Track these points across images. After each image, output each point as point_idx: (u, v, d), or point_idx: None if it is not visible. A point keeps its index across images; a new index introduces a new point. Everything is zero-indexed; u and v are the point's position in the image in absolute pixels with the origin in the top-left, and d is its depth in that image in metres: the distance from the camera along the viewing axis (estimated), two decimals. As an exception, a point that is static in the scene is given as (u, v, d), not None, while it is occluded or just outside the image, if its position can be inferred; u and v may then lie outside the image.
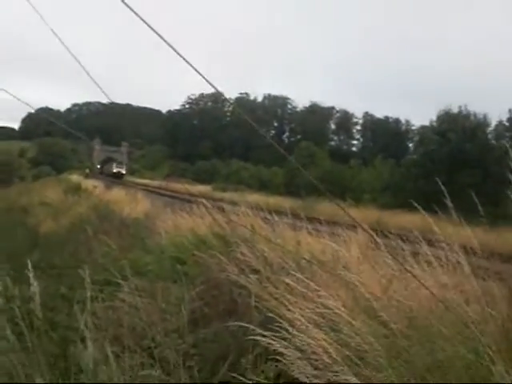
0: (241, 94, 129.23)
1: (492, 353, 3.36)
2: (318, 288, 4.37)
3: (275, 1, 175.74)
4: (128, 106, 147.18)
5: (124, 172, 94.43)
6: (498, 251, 9.25)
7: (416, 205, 4.99)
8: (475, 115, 51.48)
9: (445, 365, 3.55)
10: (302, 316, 4.08)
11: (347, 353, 3.58)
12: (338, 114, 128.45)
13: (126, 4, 2.89)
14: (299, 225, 8.70)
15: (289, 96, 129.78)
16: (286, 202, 30.57)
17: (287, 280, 4.76)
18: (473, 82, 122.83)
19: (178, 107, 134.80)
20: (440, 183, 4.49)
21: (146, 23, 3.00)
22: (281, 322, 4.05)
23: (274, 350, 3.73)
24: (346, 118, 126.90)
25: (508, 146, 4.23)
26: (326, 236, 7.53)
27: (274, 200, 36.05)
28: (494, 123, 51.21)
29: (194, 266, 7.68)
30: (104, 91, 3.94)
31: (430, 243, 5.60)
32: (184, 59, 3.01)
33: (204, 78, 3.13)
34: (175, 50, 3.06)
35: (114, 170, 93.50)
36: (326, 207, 24.84)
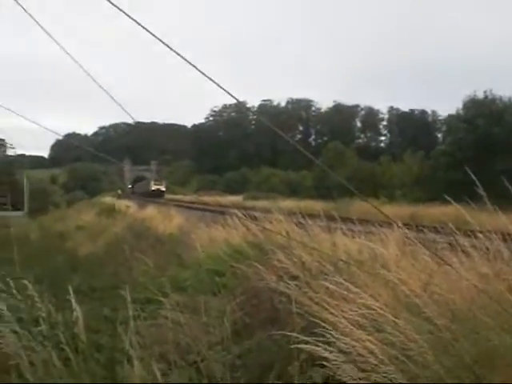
0: (264, 100, 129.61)
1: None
2: (357, 289, 4.35)
3: (286, 2, 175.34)
4: (153, 123, 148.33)
5: (164, 189, 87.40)
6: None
7: (447, 197, 4.94)
8: (501, 99, 50.80)
9: (492, 355, 3.51)
10: (345, 318, 4.07)
11: (393, 352, 3.55)
12: (362, 112, 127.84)
13: (144, 28, 2.95)
14: (334, 226, 8.67)
15: (312, 98, 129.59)
16: (318, 205, 30.49)
17: (326, 283, 4.75)
18: (497, 64, 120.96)
19: (202, 120, 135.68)
20: (470, 172, 4.44)
21: (162, 42, 3.05)
22: (324, 327, 4.04)
23: (319, 355, 3.72)
24: (371, 115, 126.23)
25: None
26: (362, 235, 7.49)
27: (305, 204, 35.96)
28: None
29: (232, 277, 7.70)
30: (127, 111, 3.99)
31: (466, 234, 5.54)
32: (203, 73, 3.05)
33: (224, 89, 3.16)
34: (194, 66, 3.10)
35: (153, 188, 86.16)
36: (359, 206, 24.65)
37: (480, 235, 5.10)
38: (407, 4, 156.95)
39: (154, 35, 3.04)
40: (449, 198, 4.84)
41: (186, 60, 3.08)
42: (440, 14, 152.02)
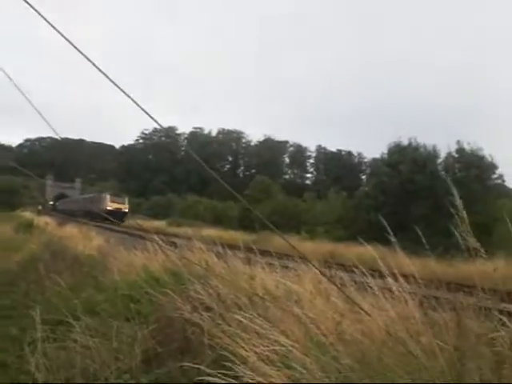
0: (195, 128, 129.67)
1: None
2: (269, 324, 4.38)
3: (230, 32, 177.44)
4: (81, 141, 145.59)
5: (127, 210, 67.18)
6: (451, 281, 9.41)
7: (360, 238, 5.09)
8: (425, 147, 52.75)
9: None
10: (255, 353, 4.09)
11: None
12: (291, 148, 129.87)
13: (72, 45, 2.92)
14: (254, 259, 8.71)
15: (243, 130, 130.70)
16: (241, 236, 30.60)
17: (239, 317, 4.76)
18: (422, 114, 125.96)
19: (131, 142, 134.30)
20: (381, 218, 4.61)
21: (91, 62, 3.03)
22: (233, 360, 4.04)
23: (226, 388, 3.71)
24: (299, 152, 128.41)
25: (450, 180, 4.38)
26: (280, 270, 7.56)
27: (228, 234, 36.04)
28: (443, 155, 52.39)
29: (147, 304, 7.58)
30: (51, 126, 3.91)
31: (380, 275, 5.69)
32: (127, 95, 3.04)
33: (148, 114, 3.16)
34: (119, 87, 3.09)
35: (109, 207, 62.91)
36: (281, 240, 24.75)
37: (393, 278, 5.24)
38: (344, 45, 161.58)
39: (86, 57, 3.02)
40: (363, 239, 5.00)
41: (114, 83, 3.08)
42: (374, 59, 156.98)
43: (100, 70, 3.05)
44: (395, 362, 3.81)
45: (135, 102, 3.14)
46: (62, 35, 2.96)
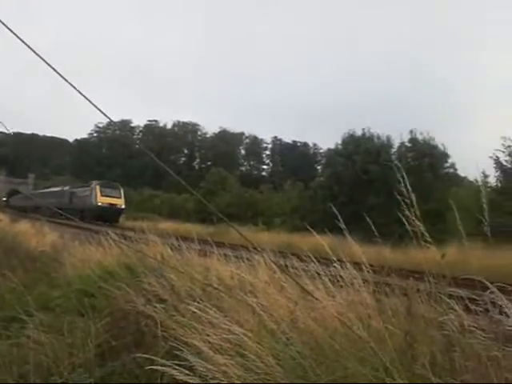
0: (150, 121, 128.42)
1: (392, 369, 3.50)
2: (221, 314, 4.41)
3: (185, 25, 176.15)
4: (34, 135, 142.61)
5: (123, 206, 51.01)
6: (403, 267, 9.57)
7: (311, 229, 5.17)
8: (378, 137, 53.46)
9: (348, 381, 3.67)
10: (209, 343, 4.11)
11: (254, 377, 3.62)
12: (247, 140, 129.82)
13: (22, 41, 2.88)
14: (210, 251, 8.74)
15: (198, 122, 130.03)
16: (198, 229, 30.53)
17: (193, 308, 4.78)
18: (376, 105, 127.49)
19: (86, 136, 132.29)
20: (333, 207, 4.68)
21: (40, 57, 2.99)
22: (188, 350, 4.06)
23: (180, 378, 3.73)
24: (255, 144, 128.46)
25: (400, 168, 4.45)
26: (236, 261, 7.60)
27: (185, 227, 35.89)
28: (396, 144, 53.18)
29: (101, 298, 7.55)
30: (1, 121, 3.84)
31: (336, 263, 5.77)
32: (75, 88, 3.01)
33: (98, 108, 3.13)
34: (70, 83, 3.06)
35: (100, 203, 48.13)
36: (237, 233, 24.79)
37: (348, 265, 5.32)
38: (305, 39, 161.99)
39: (34, 51, 2.98)
40: (311, 230, 5.09)
41: (62, 77, 3.04)
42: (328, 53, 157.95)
43: (47, 63, 3.01)
44: (347, 348, 3.87)
45: (82, 95, 3.12)
46: (5, 25, 2.92)
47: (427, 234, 4.11)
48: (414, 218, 4.18)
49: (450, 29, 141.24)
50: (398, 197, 4.17)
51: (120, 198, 50.71)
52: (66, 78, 2.98)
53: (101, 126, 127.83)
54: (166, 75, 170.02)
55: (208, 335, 4.27)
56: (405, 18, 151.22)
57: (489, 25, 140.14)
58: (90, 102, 3.10)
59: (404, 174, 4.35)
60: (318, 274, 5.24)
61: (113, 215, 45.77)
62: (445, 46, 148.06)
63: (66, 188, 60.78)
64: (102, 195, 49.09)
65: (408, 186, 4.26)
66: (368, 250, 5.15)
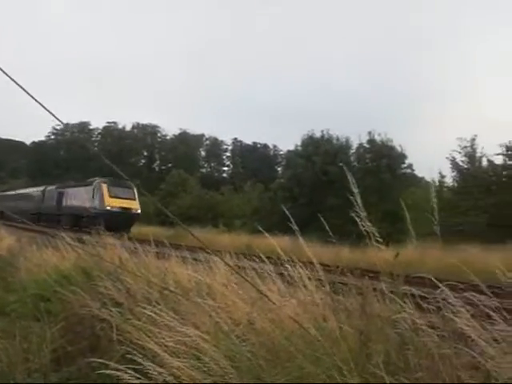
0: (109, 122, 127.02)
1: (345, 369, 3.54)
2: (178, 317, 4.41)
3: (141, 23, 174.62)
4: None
5: (139, 210, 39.51)
6: (359, 267, 9.69)
7: (263, 231, 5.22)
8: (338, 139, 54.03)
9: (302, 382, 3.69)
10: (165, 346, 4.09)
11: (206, 380, 3.62)
12: (207, 142, 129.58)
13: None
14: (169, 253, 8.70)
15: (158, 124, 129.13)
16: (157, 231, 30.38)
17: (147, 311, 4.75)
18: (336, 107, 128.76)
19: (43, 138, 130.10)
20: (285, 209, 4.72)
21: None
22: (143, 354, 4.03)
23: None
24: (215, 145, 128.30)
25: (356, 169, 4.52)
26: (194, 263, 7.59)
27: (144, 230, 35.53)
28: (355, 146, 53.82)
29: (57, 302, 7.46)
30: None
31: (292, 265, 5.81)
32: (25, 90, 2.97)
33: (50, 112, 3.09)
34: (20, 86, 3.01)
35: (108, 207, 37.00)
36: (197, 234, 24.73)
37: (304, 266, 5.36)
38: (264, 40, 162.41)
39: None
40: (264, 232, 5.16)
41: (11, 79, 2.99)
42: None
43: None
44: (302, 349, 3.90)
45: (31, 96, 3.07)
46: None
47: (378, 235, 4.18)
48: (362, 219, 4.26)
49: (409, 29, 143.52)
50: (351, 197, 4.23)
51: (134, 199, 39.59)
52: (16, 78, 2.93)
53: (58, 128, 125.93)
54: (124, 76, 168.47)
55: (164, 339, 4.25)
56: (365, 22, 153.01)
57: (445, 25, 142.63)
58: (40, 103, 3.06)
59: (350, 175, 4.43)
60: (271, 275, 5.28)
61: (125, 222, 35.42)
62: (402, 47, 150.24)
63: (51, 188, 50.25)
64: (112, 196, 37.90)
65: (354, 187, 4.33)
66: (327, 251, 5.21)
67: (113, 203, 37.39)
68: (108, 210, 36.60)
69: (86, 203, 38.14)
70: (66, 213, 40.34)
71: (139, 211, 39.71)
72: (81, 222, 35.88)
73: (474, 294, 3.80)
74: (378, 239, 4.14)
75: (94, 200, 38.27)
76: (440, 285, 3.79)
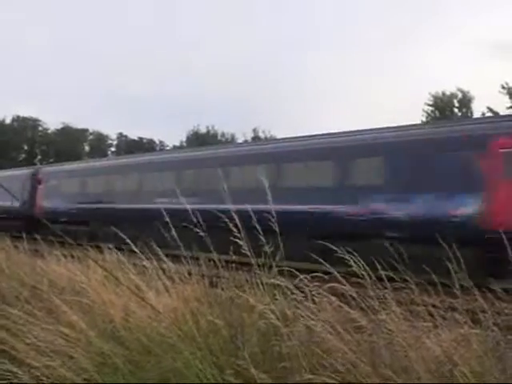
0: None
1: (216, 360, 3.63)
2: (50, 316, 4.32)
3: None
4: None
5: None
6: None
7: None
8: (223, 134, 54.47)
9: (175, 374, 3.74)
10: (36, 346, 4.00)
11: (77, 377, 3.59)
12: (91, 136, 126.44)
13: None
14: (48, 251, 8.44)
15: (40, 118, 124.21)
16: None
17: (16, 311, 4.61)
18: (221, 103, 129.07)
19: None
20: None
21: None
22: (12, 355, 3.93)
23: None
24: (100, 140, 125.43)
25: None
26: (71, 261, 7.41)
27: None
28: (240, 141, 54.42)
29: None
30: None
31: (175, 260, 5.82)
32: None
33: None
34: None
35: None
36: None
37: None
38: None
39: None
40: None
41: None
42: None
43: None
44: (177, 342, 3.94)
45: None
46: None
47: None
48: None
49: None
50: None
51: None
52: None
53: None
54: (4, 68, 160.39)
55: (35, 338, 4.15)
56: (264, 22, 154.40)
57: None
58: None
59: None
60: (147, 268, 5.28)
61: None
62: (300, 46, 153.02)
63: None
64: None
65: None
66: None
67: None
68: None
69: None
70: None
71: None
72: None
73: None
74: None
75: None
76: (299, 275, 3.95)
